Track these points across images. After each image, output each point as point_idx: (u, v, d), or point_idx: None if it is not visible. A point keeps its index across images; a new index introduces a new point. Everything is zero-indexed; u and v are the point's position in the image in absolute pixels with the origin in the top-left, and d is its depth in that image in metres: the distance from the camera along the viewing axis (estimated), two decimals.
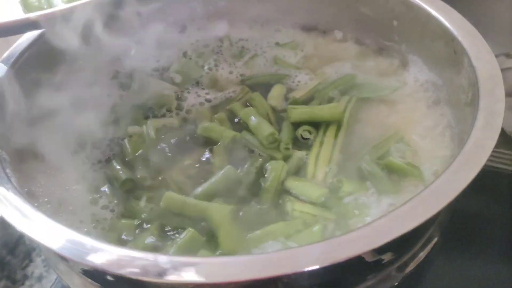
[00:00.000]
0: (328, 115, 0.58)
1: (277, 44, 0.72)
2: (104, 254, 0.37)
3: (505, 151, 0.71)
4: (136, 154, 0.58)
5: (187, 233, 0.46)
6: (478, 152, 0.41)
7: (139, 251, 0.37)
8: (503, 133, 0.71)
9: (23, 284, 0.66)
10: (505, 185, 0.69)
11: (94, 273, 0.42)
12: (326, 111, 0.58)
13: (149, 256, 0.36)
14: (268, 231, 0.47)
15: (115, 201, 0.53)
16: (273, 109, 0.62)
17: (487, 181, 0.68)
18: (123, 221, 0.51)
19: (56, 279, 0.67)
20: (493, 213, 0.65)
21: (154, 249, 0.47)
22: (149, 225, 0.50)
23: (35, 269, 0.67)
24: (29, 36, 0.60)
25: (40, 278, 0.67)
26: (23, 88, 0.56)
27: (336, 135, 0.56)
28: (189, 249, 0.45)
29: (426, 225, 0.38)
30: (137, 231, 0.49)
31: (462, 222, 0.60)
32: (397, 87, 0.62)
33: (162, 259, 0.35)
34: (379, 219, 0.36)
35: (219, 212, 0.48)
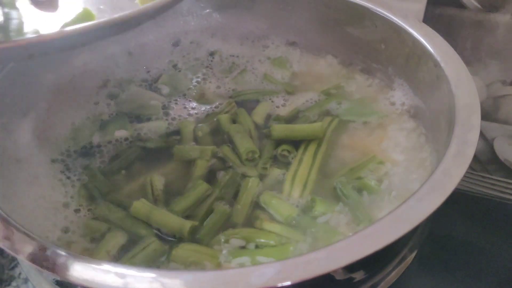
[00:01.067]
0: (309, 134, 0.58)
1: (267, 59, 0.72)
2: (77, 266, 0.37)
3: (500, 179, 0.71)
4: (116, 159, 0.58)
5: (151, 243, 0.47)
6: (445, 180, 0.41)
7: (109, 263, 0.37)
8: (497, 159, 0.71)
9: (9, 284, 0.67)
10: (492, 212, 0.69)
11: (66, 285, 0.43)
12: (307, 129, 0.59)
13: (121, 268, 0.36)
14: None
15: (89, 206, 0.53)
16: (256, 126, 0.62)
17: (478, 208, 0.69)
18: (92, 224, 0.51)
19: None
20: (482, 241, 0.65)
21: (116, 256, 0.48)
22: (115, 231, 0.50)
23: (22, 271, 0.68)
24: None
25: (26, 280, 0.67)
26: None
27: (315, 155, 0.56)
28: (152, 259, 0.46)
29: (389, 250, 0.38)
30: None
31: (447, 247, 0.60)
32: (383, 115, 0.62)
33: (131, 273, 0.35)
34: (338, 242, 0.36)
35: (181, 226, 0.49)
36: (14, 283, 0.67)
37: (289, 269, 0.35)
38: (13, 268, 0.69)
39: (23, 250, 0.39)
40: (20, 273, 0.68)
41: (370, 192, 0.52)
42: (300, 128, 0.59)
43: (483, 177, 0.73)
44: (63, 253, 0.38)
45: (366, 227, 0.37)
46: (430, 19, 0.63)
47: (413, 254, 0.51)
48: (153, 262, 0.46)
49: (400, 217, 0.38)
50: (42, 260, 0.38)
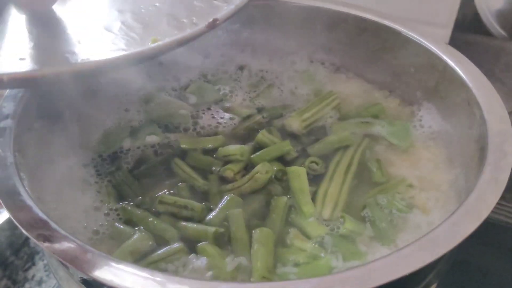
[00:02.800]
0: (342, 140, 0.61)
1: (294, 75, 0.73)
2: (106, 266, 0.38)
3: None
4: (146, 164, 0.59)
5: (176, 247, 0.48)
6: (480, 206, 0.41)
7: (139, 267, 0.38)
8: None
9: (23, 286, 0.67)
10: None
11: (93, 284, 0.43)
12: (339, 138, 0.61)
13: (147, 273, 0.36)
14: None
15: (117, 209, 0.54)
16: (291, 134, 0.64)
17: (494, 235, 0.68)
18: (120, 227, 0.52)
19: (54, 285, 0.68)
20: (497, 268, 0.64)
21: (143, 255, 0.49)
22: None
23: (37, 273, 0.69)
24: None
25: (40, 282, 0.68)
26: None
27: (346, 173, 0.57)
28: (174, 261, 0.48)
29: (421, 272, 0.38)
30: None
31: (463, 272, 0.59)
32: (411, 143, 0.62)
33: (158, 277, 0.36)
34: (372, 262, 0.36)
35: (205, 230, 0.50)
36: (27, 285, 0.68)
37: (324, 286, 0.35)
38: (27, 269, 0.69)
39: (57, 247, 0.40)
40: (34, 275, 0.69)
41: (399, 214, 0.52)
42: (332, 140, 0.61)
43: (500, 204, 0.73)
44: (95, 252, 0.39)
45: (402, 248, 0.37)
46: (455, 45, 0.64)
47: (437, 282, 0.51)
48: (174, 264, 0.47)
49: (436, 240, 0.38)
50: (73, 258, 0.39)
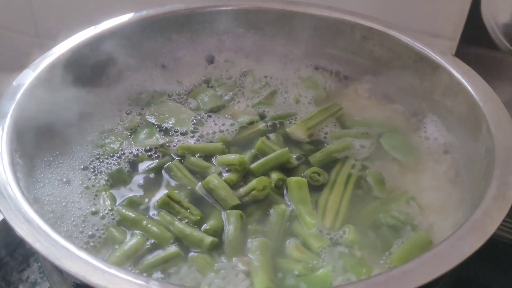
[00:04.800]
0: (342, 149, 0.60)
1: (298, 82, 0.72)
2: (100, 272, 0.37)
3: None
4: (145, 167, 0.59)
5: (171, 250, 0.48)
6: (487, 222, 0.40)
7: (134, 273, 0.37)
8: None
9: (16, 287, 0.66)
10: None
11: None
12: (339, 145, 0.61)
13: (142, 281, 0.36)
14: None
15: (114, 212, 0.53)
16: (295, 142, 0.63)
17: (497, 251, 0.67)
18: (115, 231, 0.51)
19: None
20: (499, 285, 0.63)
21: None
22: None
23: (31, 274, 0.67)
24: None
25: (34, 284, 0.67)
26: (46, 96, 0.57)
27: (346, 183, 0.56)
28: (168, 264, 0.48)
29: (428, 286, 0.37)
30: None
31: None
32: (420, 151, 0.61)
33: (153, 285, 0.35)
34: (377, 276, 0.35)
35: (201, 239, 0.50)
36: (21, 286, 0.66)
37: None
38: (21, 271, 0.68)
39: (50, 251, 0.39)
40: (28, 277, 0.68)
41: (401, 228, 0.51)
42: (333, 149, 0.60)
43: (504, 221, 0.72)
44: (89, 257, 0.39)
45: (407, 263, 0.36)
46: (461, 57, 0.63)
47: None
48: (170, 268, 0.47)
49: (441, 255, 0.37)
50: (66, 262, 0.38)
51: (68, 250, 0.39)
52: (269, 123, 0.66)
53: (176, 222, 0.51)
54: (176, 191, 0.55)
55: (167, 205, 0.53)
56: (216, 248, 0.50)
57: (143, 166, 0.59)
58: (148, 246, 0.50)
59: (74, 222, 0.51)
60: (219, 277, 0.47)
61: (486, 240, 0.39)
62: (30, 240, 0.40)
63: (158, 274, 0.47)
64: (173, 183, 0.57)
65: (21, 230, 0.41)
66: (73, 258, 0.39)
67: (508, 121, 0.51)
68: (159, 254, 0.49)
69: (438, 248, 0.38)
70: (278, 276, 0.48)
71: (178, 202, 0.53)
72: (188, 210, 0.52)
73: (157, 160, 0.60)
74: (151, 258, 0.48)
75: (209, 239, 0.49)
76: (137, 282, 0.36)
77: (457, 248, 0.38)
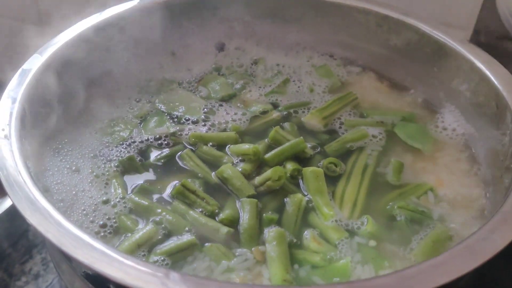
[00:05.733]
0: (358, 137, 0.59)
1: (311, 70, 0.71)
2: (110, 261, 0.36)
3: None
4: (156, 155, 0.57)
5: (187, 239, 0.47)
6: None
7: (143, 262, 0.36)
8: None
9: (19, 279, 0.65)
10: None
11: (96, 278, 0.41)
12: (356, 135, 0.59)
13: (151, 269, 0.34)
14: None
15: (125, 200, 0.52)
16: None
17: None
18: (127, 219, 0.50)
19: (52, 281, 0.65)
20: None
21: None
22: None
23: (34, 266, 0.66)
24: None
25: (36, 276, 0.65)
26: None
27: (363, 173, 0.55)
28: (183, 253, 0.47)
29: (454, 283, 0.35)
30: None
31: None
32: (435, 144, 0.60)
33: (173, 276, 0.34)
34: (408, 269, 0.34)
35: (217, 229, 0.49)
36: (23, 279, 0.65)
37: None
38: (24, 263, 0.67)
39: (61, 239, 0.38)
40: (31, 269, 0.66)
41: (420, 220, 0.50)
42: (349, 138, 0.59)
43: None
44: (99, 246, 0.37)
45: (438, 255, 0.35)
46: None
47: None
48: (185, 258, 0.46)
49: (473, 248, 0.36)
50: (77, 250, 0.37)
51: (82, 240, 0.38)
52: (283, 112, 0.64)
53: (191, 212, 0.50)
54: (189, 180, 0.53)
55: (182, 194, 0.51)
56: (232, 238, 0.48)
57: (154, 154, 0.57)
58: (160, 236, 0.48)
59: (85, 211, 0.50)
60: (234, 266, 0.45)
61: None
62: (42, 229, 0.38)
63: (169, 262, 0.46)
64: (185, 172, 0.56)
65: (33, 219, 0.39)
66: (87, 247, 0.37)
67: None
68: (174, 242, 0.48)
69: (468, 240, 0.37)
70: (294, 267, 0.46)
71: (193, 192, 0.51)
72: (204, 200, 0.51)
73: (168, 149, 0.58)
74: (166, 246, 0.47)
75: (225, 229, 0.48)
76: (145, 270, 0.35)
77: (489, 240, 0.37)
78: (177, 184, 0.52)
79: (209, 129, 0.61)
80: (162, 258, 0.46)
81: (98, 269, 0.36)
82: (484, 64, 0.57)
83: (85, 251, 0.37)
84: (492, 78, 0.55)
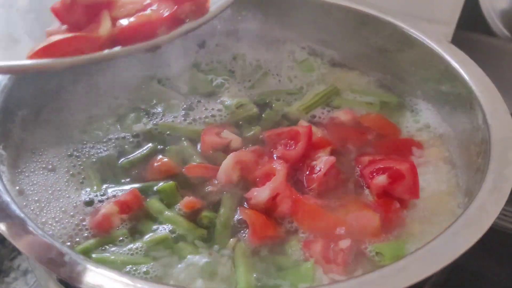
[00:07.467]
0: None
1: (291, 64, 0.71)
2: (83, 269, 0.36)
3: None
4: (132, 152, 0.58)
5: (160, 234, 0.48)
6: (482, 216, 0.39)
7: (118, 272, 0.36)
8: None
9: (7, 275, 0.65)
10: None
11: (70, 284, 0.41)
12: None
13: (126, 280, 0.34)
14: None
15: (102, 197, 0.52)
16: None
17: (493, 240, 0.67)
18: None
19: None
20: (494, 273, 0.63)
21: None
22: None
23: (22, 262, 0.67)
24: None
25: (25, 272, 0.66)
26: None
27: None
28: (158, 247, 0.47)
29: (417, 285, 0.36)
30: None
31: (458, 277, 0.58)
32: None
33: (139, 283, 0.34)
34: (368, 274, 0.34)
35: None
36: (12, 275, 0.65)
37: None
38: (12, 259, 0.67)
39: (33, 248, 0.38)
40: (19, 265, 0.67)
41: None
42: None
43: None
44: (72, 254, 0.38)
45: (399, 260, 0.35)
46: (458, 43, 0.62)
47: None
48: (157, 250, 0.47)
49: (436, 251, 0.36)
50: (49, 259, 0.37)
51: (52, 247, 0.38)
52: (262, 104, 0.65)
53: (166, 212, 0.51)
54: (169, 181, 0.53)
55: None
56: (206, 239, 0.49)
57: (131, 152, 0.58)
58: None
59: (64, 211, 0.50)
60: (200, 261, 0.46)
61: (481, 236, 0.38)
62: (12, 239, 0.38)
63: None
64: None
65: (4, 228, 0.39)
66: (56, 255, 0.37)
67: (504, 111, 0.50)
68: (150, 236, 0.48)
69: (431, 244, 0.37)
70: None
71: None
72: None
73: (148, 146, 0.58)
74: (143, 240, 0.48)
75: (199, 230, 0.49)
76: (121, 280, 0.35)
77: (452, 244, 0.37)
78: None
79: (190, 124, 0.61)
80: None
81: (69, 277, 0.36)
82: (459, 63, 0.57)
83: (56, 260, 0.37)
84: (466, 77, 0.55)
